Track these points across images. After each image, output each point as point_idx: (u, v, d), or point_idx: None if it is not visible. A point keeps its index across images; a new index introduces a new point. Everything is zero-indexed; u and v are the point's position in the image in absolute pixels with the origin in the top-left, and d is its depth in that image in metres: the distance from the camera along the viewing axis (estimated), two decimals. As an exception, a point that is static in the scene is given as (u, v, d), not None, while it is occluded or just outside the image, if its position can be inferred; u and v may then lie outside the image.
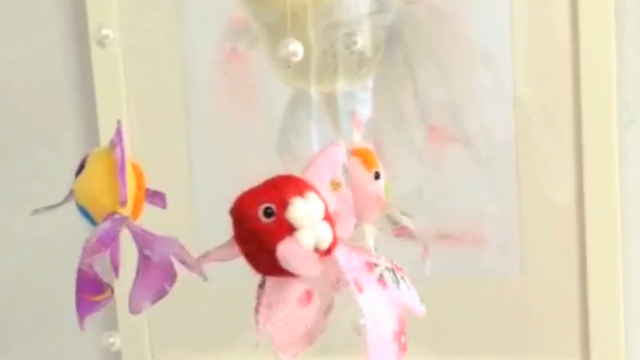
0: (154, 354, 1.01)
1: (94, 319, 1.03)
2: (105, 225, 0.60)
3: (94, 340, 1.04)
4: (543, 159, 0.90)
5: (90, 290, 0.61)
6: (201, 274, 0.59)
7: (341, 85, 0.91)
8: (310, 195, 0.53)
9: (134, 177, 0.63)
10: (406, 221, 0.68)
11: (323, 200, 0.54)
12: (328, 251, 0.53)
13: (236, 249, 0.54)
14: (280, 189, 0.53)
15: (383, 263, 0.56)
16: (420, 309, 0.58)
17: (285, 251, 0.52)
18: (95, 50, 0.97)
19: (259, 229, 0.52)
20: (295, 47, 0.60)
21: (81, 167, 0.63)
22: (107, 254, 0.60)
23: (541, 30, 0.89)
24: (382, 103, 0.92)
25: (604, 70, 0.87)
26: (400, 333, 0.55)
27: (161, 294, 0.61)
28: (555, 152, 0.90)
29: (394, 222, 0.68)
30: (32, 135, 1.03)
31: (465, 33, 0.90)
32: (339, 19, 0.90)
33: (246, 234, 0.53)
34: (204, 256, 0.59)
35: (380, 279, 0.55)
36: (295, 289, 0.55)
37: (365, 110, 0.92)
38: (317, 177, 0.55)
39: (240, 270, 0.89)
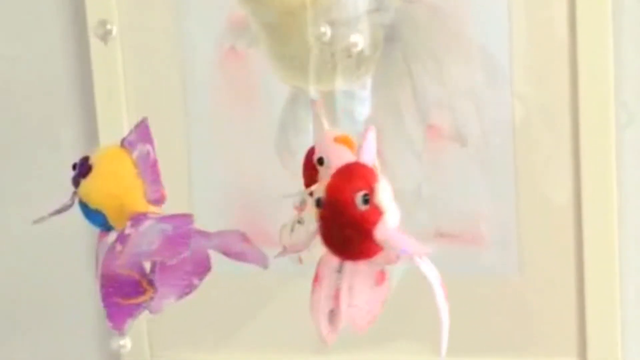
0: (153, 352, 1.01)
1: (90, 317, 1.04)
2: (167, 224, 0.58)
3: (93, 339, 1.05)
4: (541, 158, 0.90)
5: (126, 293, 0.59)
6: (265, 265, 0.60)
7: (340, 84, 0.91)
8: (383, 179, 0.57)
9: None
10: None
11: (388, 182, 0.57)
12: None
13: (317, 238, 0.56)
14: (365, 176, 0.56)
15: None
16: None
17: (386, 234, 0.55)
18: (94, 49, 0.97)
19: (358, 216, 0.55)
20: (356, 38, 0.61)
21: (82, 169, 0.61)
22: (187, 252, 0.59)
23: (539, 30, 0.89)
24: (380, 102, 0.92)
25: (602, 70, 0.87)
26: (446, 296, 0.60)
27: (190, 289, 0.62)
28: (553, 151, 0.90)
29: None
30: (30, 133, 1.03)
31: (464, 32, 0.90)
32: (337, 17, 0.90)
33: (345, 221, 0.55)
34: (283, 252, 0.62)
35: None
36: (372, 270, 0.58)
37: (363, 109, 0.92)
38: (368, 161, 0.58)
39: (239, 269, 0.89)
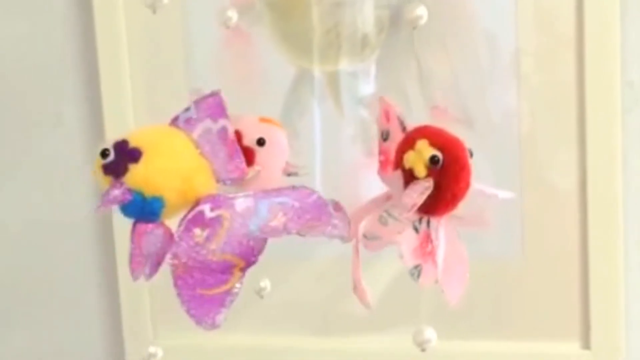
0: (156, 333, 1.01)
1: (94, 308, 1.04)
2: (285, 198, 0.55)
3: (97, 330, 1.05)
4: (546, 142, 0.90)
5: (209, 283, 0.55)
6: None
7: (344, 65, 0.91)
8: None
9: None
10: None
11: None
12: None
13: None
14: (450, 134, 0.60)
15: None
16: None
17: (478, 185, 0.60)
18: (99, 28, 0.97)
19: (469, 167, 0.59)
20: (421, 11, 0.61)
21: (132, 154, 0.55)
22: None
23: (546, 14, 0.88)
24: (385, 83, 0.91)
25: (609, 54, 0.87)
26: None
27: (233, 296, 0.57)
28: (559, 135, 0.89)
29: None
30: (34, 112, 1.03)
31: (469, 14, 0.89)
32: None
33: (462, 173, 0.59)
34: (380, 243, 0.63)
35: None
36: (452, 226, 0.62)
37: (368, 90, 0.92)
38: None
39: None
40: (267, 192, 0.56)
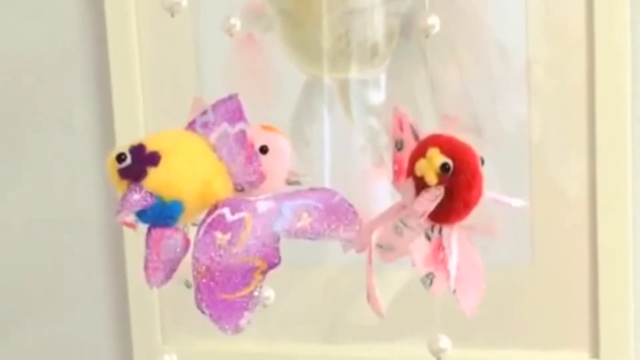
0: (165, 340, 1.01)
1: (103, 305, 1.04)
2: (309, 200, 0.56)
3: (106, 327, 1.05)
4: (556, 151, 0.90)
5: (231, 287, 0.55)
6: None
7: (354, 73, 0.91)
8: None
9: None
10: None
11: None
12: None
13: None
14: (464, 142, 0.60)
15: None
16: None
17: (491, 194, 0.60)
18: (110, 31, 0.97)
19: (481, 176, 0.59)
20: (433, 21, 0.61)
21: (148, 159, 0.54)
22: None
23: (556, 22, 0.88)
24: (395, 92, 0.91)
25: (619, 62, 0.86)
26: None
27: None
28: (569, 143, 0.89)
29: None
30: (45, 115, 1.03)
31: (480, 22, 0.89)
32: (353, 6, 0.90)
33: (477, 181, 0.59)
34: (393, 254, 0.64)
35: None
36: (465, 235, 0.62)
37: (378, 98, 0.92)
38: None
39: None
40: (287, 194, 0.56)
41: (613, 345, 0.90)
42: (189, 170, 0.55)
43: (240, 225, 0.54)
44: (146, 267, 0.55)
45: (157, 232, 0.54)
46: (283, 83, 0.94)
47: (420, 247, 0.60)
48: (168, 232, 0.54)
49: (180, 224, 0.55)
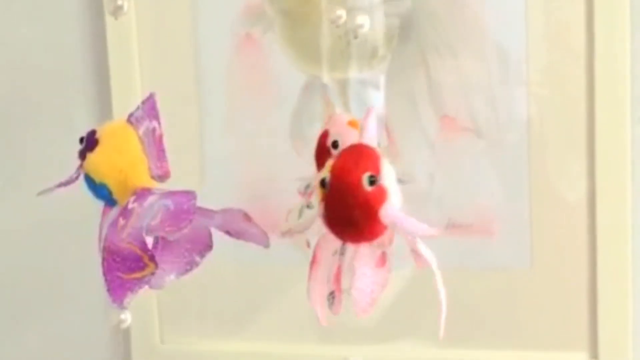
0: (163, 339, 1.01)
1: (100, 303, 1.04)
2: (170, 200, 0.58)
3: (104, 325, 1.05)
4: (556, 153, 0.90)
5: (127, 268, 0.59)
6: (266, 245, 0.60)
7: (354, 73, 0.91)
8: (385, 161, 0.57)
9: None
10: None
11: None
12: None
13: (319, 220, 0.57)
14: (372, 157, 0.57)
15: None
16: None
17: (393, 215, 0.56)
18: (110, 32, 0.97)
19: (364, 197, 0.55)
20: (362, 20, 0.61)
21: (89, 143, 0.61)
22: (188, 227, 0.59)
23: (556, 24, 0.88)
24: (395, 91, 0.91)
25: (618, 66, 0.86)
26: None
27: (191, 266, 0.62)
28: (568, 146, 0.89)
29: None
30: (45, 115, 1.03)
31: (480, 23, 0.89)
32: (353, 5, 0.90)
33: (351, 201, 0.55)
34: (287, 232, 0.63)
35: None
36: (374, 253, 0.58)
37: (377, 98, 0.92)
38: (371, 142, 0.58)
39: (249, 258, 0.90)
40: (168, 193, 0.60)
41: (612, 347, 0.90)
42: (112, 159, 0.61)
43: (131, 214, 0.58)
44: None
45: (104, 209, 0.62)
46: (283, 83, 0.94)
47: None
48: (107, 210, 0.62)
49: (122, 203, 0.61)
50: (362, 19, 0.65)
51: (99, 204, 1.00)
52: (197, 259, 0.62)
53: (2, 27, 1.02)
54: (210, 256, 0.63)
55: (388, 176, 0.56)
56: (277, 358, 0.98)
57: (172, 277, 0.62)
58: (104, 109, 1.00)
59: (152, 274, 0.58)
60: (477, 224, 0.91)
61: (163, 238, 0.61)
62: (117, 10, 0.64)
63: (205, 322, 1.00)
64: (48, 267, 1.05)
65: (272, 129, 0.94)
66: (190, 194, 0.59)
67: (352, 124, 0.66)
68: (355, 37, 0.63)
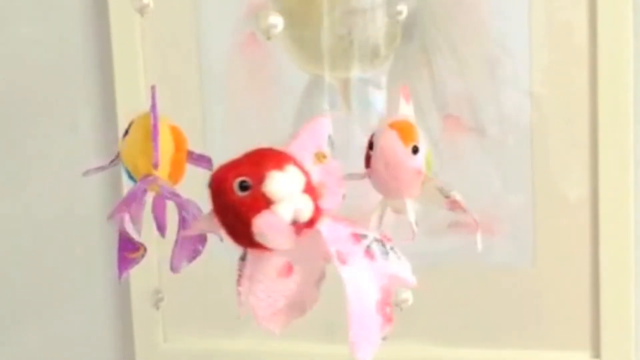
0: (166, 337, 1.01)
1: (106, 310, 1.05)
2: (134, 187, 0.61)
3: (106, 324, 1.05)
4: (558, 152, 0.90)
5: (127, 248, 0.62)
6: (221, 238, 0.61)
7: (356, 72, 0.91)
8: (290, 168, 0.53)
9: (171, 140, 0.64)
10: (456, 194, 0.68)
11: (305, 172, 0.53)
12: (311, 223, 0.53)
13: (215, 221, 0.54)
14: (258, 163, 0.52)
15: (371, 234, 0.56)
16: (411, 279, 0.57)
17: (260, 225, 0.52)
18: (114, 31, 0.97)
19: (234, 202, 0.52)
20: (275, 20, 0.59)
21: (124, 132, 0.64)
22: (131, 213, 0.62)
23: (559, 23, 0.89)
24: (398, 91, 0.91)
25: (621, 65, 0.87)
26: (384, 304, 0.55)
27: (195, 254, 0.64)
28: (571, 145, 0.89)
29: (446, 195, 0.67)
30: (49, 114, 1.03)
31: (483, 23, 0.89)
32: (355, 6, 0.90)
33: (223, 207, 0.52)
34: (189, 228, 0.61)
35: (368, 250, 0.55)
36: (275, 262, 0.55)
37: (380, 97, 0.92)
38: (300, 149, 0.55)
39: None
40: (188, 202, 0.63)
41: (614, 346, 0.90)
42: (128, 146, 0.63)
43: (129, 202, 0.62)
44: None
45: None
46: (286, 82, 0.94)
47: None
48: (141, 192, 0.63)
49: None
50: (401, 7, 0.64)
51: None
52: (200, 248, 0.64)
53: (5, 25, 1.03)
54: (210, 256, 0.64)
55: (278, 185, 0.52)
56: (279, 356, 0.98)
57: (185, 263, 0.64)
58: (108, 108, 1.00)
59: (143, 256, 0.62)
60: (481, 222, 0.91)
61: (182, 223, 0.63)
62: (144, 8, 0.65)
63: (208, 321, 1.00)
64: (50, 266, 1.05)
65: (274, 128, 0.95)
66: (147, 181, 0.62)
67: (394, 125, 0.65)
68: (397, 22, 0.63)
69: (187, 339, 1.00)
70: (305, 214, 0.53)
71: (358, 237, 0.55)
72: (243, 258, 0.55)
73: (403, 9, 0.66)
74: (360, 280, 0.54)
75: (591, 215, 0.90)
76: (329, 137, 0.56)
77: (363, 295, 0.54)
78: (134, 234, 0.62)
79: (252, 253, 0.54)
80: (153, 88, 0.63)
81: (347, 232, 0.55)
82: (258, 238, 0.52)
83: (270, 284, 0.56)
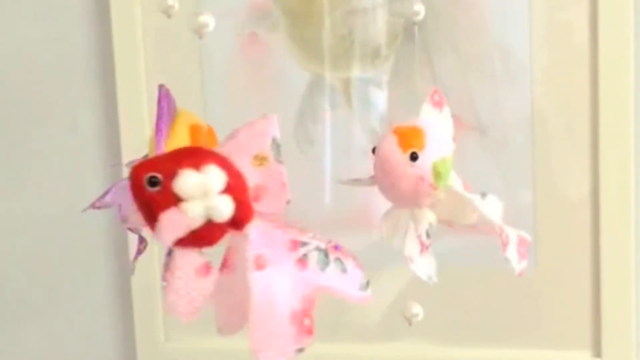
0: (167, 337, 1.01)
1: (107, 309, 1.05)
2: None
3: (107, 323, 1.05)
4: (559, 153, 0.90)
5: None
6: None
7: (357, 72, 0.91)
8: (208, 168, 0.52)
9: (187, 140, 0.60)
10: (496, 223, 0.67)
11: (234, 174, 0.52)
12: (238, 225, 0.53)
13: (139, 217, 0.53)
14: (174, 159, 0.52)
15: (314, 243, 0.55)
16: (357, 294, 0.56)
17: (162, 221, 0.51)
18: (116, 33, 0.97)
19: (144, 197, 0.51)
20: (206, 19, 0.59)
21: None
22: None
23: (559, 23, 0.89)
24: (399, 90, 0.92)
25: (622, 65, 0.87)
26: (303, 315, 0.54)
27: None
28: (572, 146, 0.89)
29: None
30: (50, 116, 1.03)
31: (484, 22, 0.90)
32: (357, 5, 0.90)
33: (137, 201, 0.52)
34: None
35: (302, 259, 0.54)
36: (194, 260, 0.54)
37: (381, 97, 0.92)
38: (237, 150, 0.54)
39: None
40: None
41: (615, 346, 0.90)
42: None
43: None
44: None
45: None
46: (287, 82, 0.94)
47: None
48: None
49: None
50: (418, 7, 0.63)
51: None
52: (141, 247, 0.64)
53: (6, 25, 1.03)
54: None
55: (189, 183, 0.51)
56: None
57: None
58: (109, 108, 1.00)
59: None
60: (481, 223, 0.91)
61: None
62: (169, 9, 0.64)
63: (209, 321, 1.00)
64: (52, 265, 1.05)
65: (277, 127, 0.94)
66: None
67: (397, 130, 0.64)
68: (414, 23, 0.62)
69: (188, 338, 1.00)
70: (223, 213, 0.52)
71: (296, 245, 0.54)
72: (169, 254, 0.54)
73: (420, 8, 0.65)
74: (275, 287, 0.53)
75: (592, 215, 0.90)
76: (274, 139, 0.54)
77: (273, 302, 0.53)
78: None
79: (178, 249, 0.53)
80: (161, 86, 0.62)
81: (285, 238, 0.54)
82: (155, 235, 0.52)
83: (189, 282, 0.55)
